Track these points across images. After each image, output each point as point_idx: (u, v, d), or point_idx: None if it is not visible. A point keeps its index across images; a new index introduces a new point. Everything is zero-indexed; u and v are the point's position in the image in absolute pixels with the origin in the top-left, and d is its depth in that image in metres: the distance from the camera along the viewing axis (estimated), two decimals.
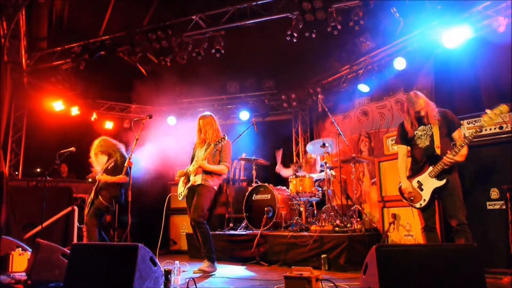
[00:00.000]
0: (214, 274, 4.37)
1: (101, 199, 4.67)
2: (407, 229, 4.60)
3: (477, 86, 5.50)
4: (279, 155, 7.39)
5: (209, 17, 6.57)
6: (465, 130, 4.11)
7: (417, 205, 3.58)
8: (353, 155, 5.86)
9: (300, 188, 5.71)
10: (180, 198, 4.70)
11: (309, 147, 6.52)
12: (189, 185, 4.58)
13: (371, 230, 5.25)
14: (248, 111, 8.61)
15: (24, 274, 3.95)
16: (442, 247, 2.91)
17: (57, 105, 7.60)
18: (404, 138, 3.80)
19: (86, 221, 4.72)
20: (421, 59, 6.30)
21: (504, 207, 3.77)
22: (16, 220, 5.56)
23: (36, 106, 7.68)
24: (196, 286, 3.28)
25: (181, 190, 4.70)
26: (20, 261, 4.39)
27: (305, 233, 5.02)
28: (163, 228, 4.89)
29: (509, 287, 3.32)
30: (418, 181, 3.59)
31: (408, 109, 3.71)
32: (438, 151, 3.50)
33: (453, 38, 5.31)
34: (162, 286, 3.23)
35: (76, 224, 6.21)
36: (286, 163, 7.73)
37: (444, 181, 3.45)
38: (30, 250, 4.42)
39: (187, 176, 4.67)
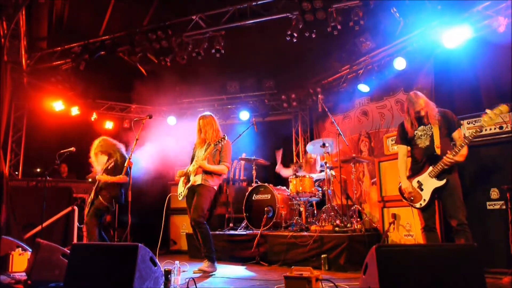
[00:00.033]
0: (214, 274, 4.36)
1: (101, 199, 4.67)
2: (407, 229, 4.60)
3: (477, 86, 5.50)
4: (279, 155, 7.39)
5: (209, 17, 6.57)
6: (465, 130, 4.11)
7: (417, 205, 3.58)
8: (353, 155, 5.86)
9: (300, 188, 5.71)
10: (180, 198, 4.70)
11: (309, 147, 6.52)
12: (189, 185, 4.58)
13: (371, 230, 5.25)
14: (248, 111, 8.61)
15: (24, 274, 3.95)
16: (442, 247, 2.91)
17: (57, 105, 7.60)
18: (404, 138, 3.80)
19: (86, 221, 4.72)
20: (421, 59, 6.30)
21: (504, 207, 3.77)
22: (16, 220, 5.56)
23: (36, 106, 7.68)
24: (196, 286, 3.27)
25: (181, 190, 4.70)
26: (20, 261, 4.39)
27: (305, 233, 5.02)
28: (163, 228, 4.89)
29: (509, 287, 3.32)
30: (418, 181, 3.59)
31: (408, 109, 3.71)
32: (438, 151, 3.50)
33: (453, 38, 5.31)
34: (162, 286, 3.23)
35: (76, 224, 6.21)
36: (286, 163, 7.73)
37: (444, 181, 3.45)
38: (30, 250, 4.43)
39: (187, 176, 4.67)
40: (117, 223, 5.50)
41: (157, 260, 3.19)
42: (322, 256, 4.60)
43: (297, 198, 5.87)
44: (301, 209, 5.91)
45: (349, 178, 6.57)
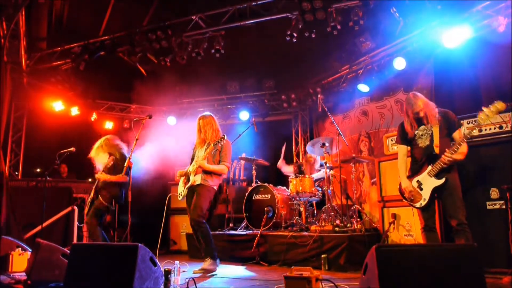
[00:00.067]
0: (216, 274, 4.37)
1: (101, 199, 4.68)
2: (407, 229, 4.60)
3: (477, 86, 5.50)
4: (282, 149, 7.39)
5: (209, 17, 6.56)
6: (465, 130, 4.10)
7: (417, 205, 3.58)
8: (353, 155, 5.86)
9: (300, 188, 5.71)
10: (180, 198, 4.70)
11: (309, 147, 6.52)
12: (188, 185, 4.58)
13: (371, 230, 5.25)
14: (248, 111, 8.61)
15: (24, 274, 3.95)
16: (442, 247, 2.92)
17: (57, 105, 7.60)
18: (404, 138, 3.80)
19: (87, 221, 4.73)
20: (421, 59, 6.29)
21: (504, 207, 3.77)
22: (16, 220, 5.56)
23: (36, 106, 7.68)
24: (196, 286, 3.28)
25: (181, 190, 4.70)
26: (20, 261, 4.40)
27: (305, 233, 5.02)
28: (163, 228, 4.90)
29: (509, 287, 3.32)
30: (418, 181, 3.59)
31: (406, 111, 3.71)
32: (436, 150, 3.49)
33: (453, 38, 5.30)
34: (162, 286, 3.23)
35: (76, 224, 6.21)
36: (288, 160, 7.72)
37: (443, 180, 3.45)
38: (30, 250, 4.43)
39: (187, 176, 4.68)
40: (117, 223, 5.50)
41: (157, 260, 3.19)
42: (322, 256, 4.60)
43: (297, 198, 5.87)
44: (301, 209, 5.91)
45: (349, 178, 6.58)
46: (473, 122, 4.09)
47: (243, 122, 8.42)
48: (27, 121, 7.84)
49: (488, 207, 3.91)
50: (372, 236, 4.94)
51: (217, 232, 6.07)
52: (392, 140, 4.89)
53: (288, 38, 6.03)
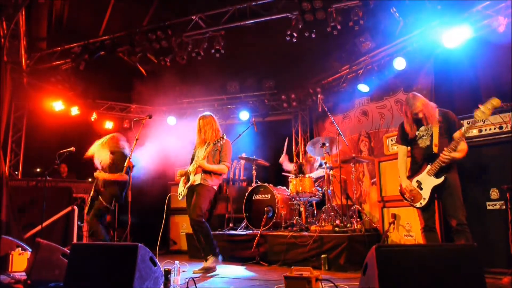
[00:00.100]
0: (218, 274, 4.37)
1: (101, 199, 4.68)
2: (407, 229, 4.60)
3: (477, 86, 5.50)
4: (285, 144, 7.38)
5: (209, 17, 6.57)
6: (469, 132, 4.09)
7: (418, 205, 3.57)
8: (353, 155, 5.86)
9: (300, 188, 5.71)
10: (180, 198, 4.70)
11: (309, 147, 6.52)
12: (188, 184, 4.58)
13: (371, 230, 5.25)
14: (248, 111, 8.61)
15: (24, 274, 3.95)
16: (442, 247, 2.91)
17: (57, 105, 7.60)
18: (405, 139, 3.80)
19: (88, 221, 4.74)
20: (421, 59, 6.29)
21: (504, 207, 3.77)
22: (16, 220, 5.56)
23: (36, 106, 7.68)
24: (196, 286, 3.28)
25: (181, 190, 4.70)
26: (20, 261, 4.39)
27: (305, 233, 5.02)
28: (163, 228, 4.89)
29: (509, 287, 3.32)
30: (418, 181, 3.59)
31: (405, 111, 3.71)
32: (435, 149, 3.50)
33: (453, 38, 5.30)
34: (162, 286, 3.23)
35: (76, 224, 6.21)
36: (290, 158, 7.71)
37: (442, 179, 3.44)
38: (30, 250, 4.43)
39: (187, 176, 4.68)
40: (117, 223, 5.51)
41: (157, 260, 3.19)
42: (322, 256, 4.60)
43: (297, 198, 5.87)
44: (301, 209, 5.91)
45: (349, 178, 6.58)
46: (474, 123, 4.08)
47: (243, 122, 8.42)
48: (27, 121, 7.85)
49: (488, 207, 3.91)
50: (372, 236, 4.94)
51: (217, 232, 6.06)
52: (392, 140, 4.90)
53: (288, 38, 6.03)
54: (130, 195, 4.92)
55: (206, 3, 6.58)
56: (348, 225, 5.10)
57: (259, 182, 6.34)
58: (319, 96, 6.35)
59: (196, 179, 4.56)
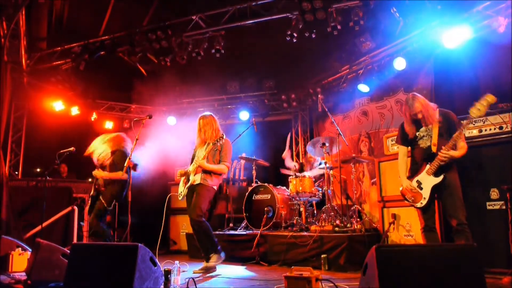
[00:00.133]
0: (220, 274, 4.37)
1: (101, 199, 4.68)
2: (407, 229, 4.60)
3: (477, 86, 5.50)
4: (287, 140, 7.39)
5: (209, 17, 6.57)
6: (465, 130, 4.10)
7: (418, 205, 3.58)
8: (353, 155, 5.86)
9: (300, 188, 5.71)
10: (180, 198, 4.70)
11: (309, 147, 6.53)
12: (188, 184, 4.58)
13: (371, 230, 5.26)
14: (248, 111, 8.61)
15: (24, 274, 3.95)
16: (442, 247, 2.91)
17: (57, 105, 7.60)
18: (405, 139, 3.80)
19: (90, 222, 4.74)
20: (421, 59, 6.29)
21: (504, 207, 3.77)
22: (16, 220, 5.56)
23: (36, 106, 7.68)
24: (196, 286, 3.28)
25: (181, 189, 4.70)
26: (20, 261, 4.40)
27: (305, 233, 5.02)
28: (163, 228, 4.89)
29: (509, 287, 3.32)
30: (417, 181, 3.59)
31: (405, 112, 3.71)
32: (434, 149, 3.50)
33: (453, 38, 5.30)
34: (162, 286, 3.23)
35: (76, 224, 6.21)
36: (292, 154, 7.72)
37: (441, 178, 3.44)
38: (30, 250, 4.43)
39: (187, 176, 4.68)
40: (117, 223, 5.51)
41: (157, 260, 3.19)
42: (322, 256, 4.60)
43: (297, 198, 5.87)
44: (301, 209, 5.91)
45: (349, 178, 6.58)
46: (473, 123, 4.09)
47: (243, 122, 8.42)
48: (27, 121, 7.84)
49: (488, 207, 3.91)
50: (372, 236, 4.94)
51: (217, 232, 6.06)
52: (392, 140, 4.90)
53: (288, 38, 6.03)
54: (130, 195, 4.92)
55: (206, 3, 6.58)
56: (348, 225, 5.10)
57: (259, 182, 6.34)
58: (319, 96, 6.35)
59: (196, 179, 4.56)
